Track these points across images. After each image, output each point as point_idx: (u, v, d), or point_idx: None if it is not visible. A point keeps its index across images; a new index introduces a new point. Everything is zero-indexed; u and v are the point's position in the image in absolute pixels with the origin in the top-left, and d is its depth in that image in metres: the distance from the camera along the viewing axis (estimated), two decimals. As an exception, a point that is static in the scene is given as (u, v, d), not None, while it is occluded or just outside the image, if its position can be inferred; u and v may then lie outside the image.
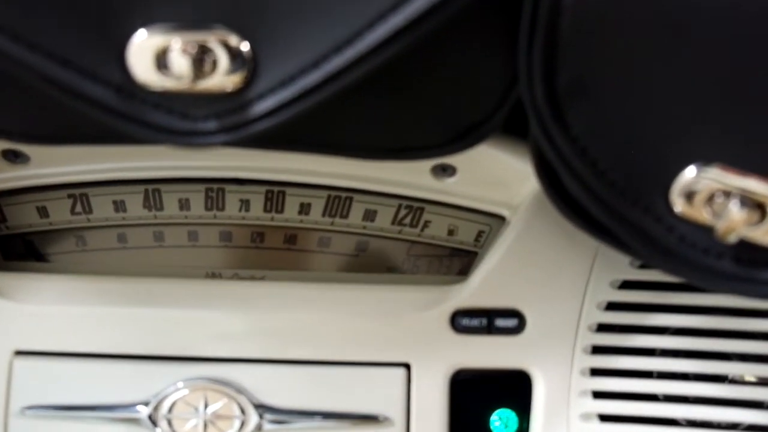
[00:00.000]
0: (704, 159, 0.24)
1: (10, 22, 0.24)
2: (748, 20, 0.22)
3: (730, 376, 0.33)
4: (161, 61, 0.24)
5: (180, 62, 0.24)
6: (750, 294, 0.25)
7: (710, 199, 0.24)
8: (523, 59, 0.25)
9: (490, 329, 0.33)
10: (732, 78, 0.23)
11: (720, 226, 0.24)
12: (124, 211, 0.36)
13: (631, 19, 0.23)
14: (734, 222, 0.24)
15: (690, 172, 0.24)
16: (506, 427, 0.34)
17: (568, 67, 0.24)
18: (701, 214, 0.25)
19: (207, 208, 0.36)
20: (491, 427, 0.34)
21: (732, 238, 0.24)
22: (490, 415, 0.33)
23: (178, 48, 0.24)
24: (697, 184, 0.24)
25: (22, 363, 0.32)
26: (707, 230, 0.25)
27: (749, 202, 0.24)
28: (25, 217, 0.36)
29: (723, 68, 0.23)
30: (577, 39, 0.24)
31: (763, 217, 0.24)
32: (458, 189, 0.35)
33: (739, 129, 0.24)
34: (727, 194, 0.24)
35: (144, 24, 0.24)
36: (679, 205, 0.25)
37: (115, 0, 0.24)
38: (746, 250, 0.25)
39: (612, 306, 0.33)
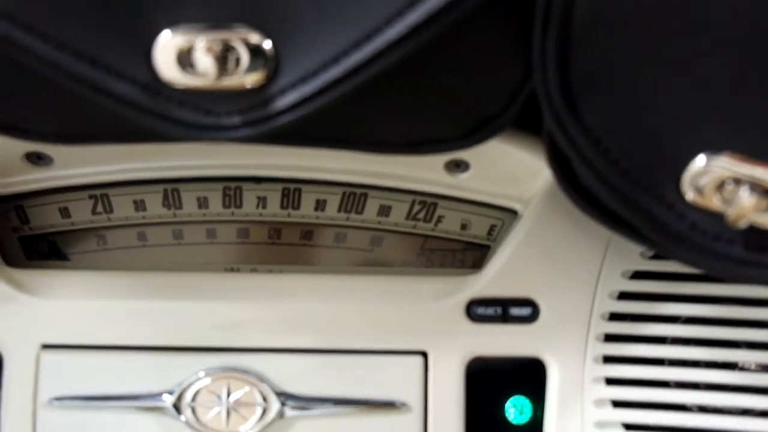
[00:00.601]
0: (714, 148, 0.25)
1: (39, 22, 0.24)
2: (760, 15, 0.23)
3: (740, 364, 0.34)
4: (186, 59, 0.25)
5: (204, 61, 0.25)
6: (760, 279, 0.26)
7: (720, 186, 0.25)
8: (537, 53, 0.25)
9: (504, 318, 0.34)
10: (742, 70, 0.24)
11: (730, 212, 0.25)
12: (144, 210, 0.37)
13: (643, 12, 0.24)
14: (744, 208, 0.25)
15: (700, 160, 0.25)
16: (521, 414, 0.34)
17: (581, 60, 0.25)
18: (712, 201, 0.25)
19: (225, 206, 0.37)
20: (506, 414, 0.34)
21: (742, 224, 0.25)
22: (505, 401, 0.34)
23: (203, 47, 0.25)
24: (707, 173, 0.25)
25: (48, 356, 0.33)
26: (718, 217, 0.26)
27: (759, 188, 0.25)
28: (47, 218, 0.37)
29: (733, 61, 0.24)
30: (590, 32, 0.25)
31: (772, 204, 0.25)
32: (471, 184, 0.35)
33: (749, 119, 0.24)
34: (737, 182, 0.25)
35: (169, 24, 0.24)
36: (690, 193, 0.26)
37: (141, 1, 0.25)
38: (756, 236, 0.26)
39: (624, 295, 0.34)
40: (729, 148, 0.25)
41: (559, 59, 0.25)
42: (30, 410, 0.33)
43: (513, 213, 0.36)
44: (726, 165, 0.25)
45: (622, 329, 0.34)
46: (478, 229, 0.37)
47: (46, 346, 0.33)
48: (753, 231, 0.25)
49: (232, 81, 0.25)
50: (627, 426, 0.34)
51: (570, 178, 0.29)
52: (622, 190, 0.26)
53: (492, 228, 0.37)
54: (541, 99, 0.26)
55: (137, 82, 0.25)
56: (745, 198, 0.25)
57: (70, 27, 0.25)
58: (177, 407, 0.33)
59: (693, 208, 0.26)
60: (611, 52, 0.25)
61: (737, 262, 0.26)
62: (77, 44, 0.25)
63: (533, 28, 0.25)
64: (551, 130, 0.27)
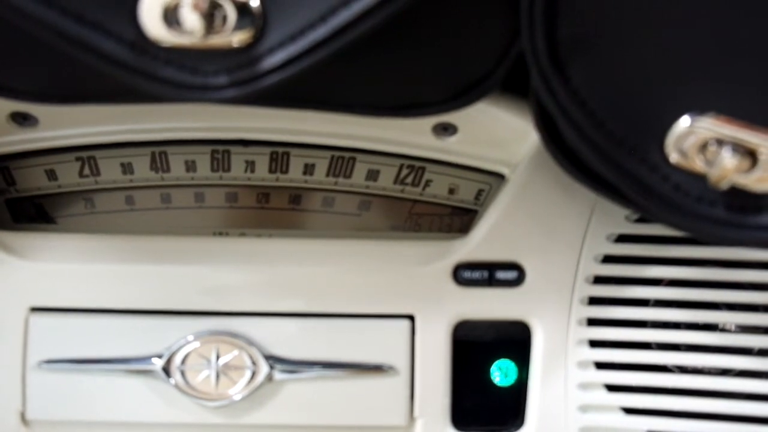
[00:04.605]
0: (698, 109, 0.25)
1: None
2: None
3: (720, 325, 0.34)
4: (173, 17, 0.24)
5: (191, 18, 0.24)
6: (740, 239, 0.26)
7: (703, 147, 0.25)
8: (525, 13, 0.25)
9: (491, 281, 0.34)
10: (725, 33, 0.24)
11: (713, 173, 0.25)
12: (132, 173, 0.37)
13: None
14: (726, 170, 0.25)
15: (685, 121, 0.25)
16: (506, 376, 0.35)
17: (568, 21, 0.25)
18: (695, 162, 0.26)
19: (213, 170, 0.37)
20: (492, 377, 0.35)
21: (724, 185, 0.25)
22: (491, 364, 0.35)
23: (189, 3, 0.24)
24: (691, 134, 0.25)
25: (37, 319, 0.33)
26: (700, 179, 0.26)
27: (741, 149, 0.25)
28: (34, 180, 0.37)
29: (717, 24, 0.24)
30: (577, -7, 0.25)
31: (754, 165, 0.25)
32: (459, 148, 0.36)
33: (732, 80, 0.25)
34: (720, 142, 0.25)
35: (153, -20, 0.24)
36: (674, 155, 0.26)
37: None
38: (737, 197, 0.26)
39: (608, 259, 0.34)
40: (713, 109, 0.25)
41: (546, 18, 0.25)
42: (19, 373, 0.33)
43: (500, 177, 0.36)
44: (710, 126, 0.25)
45: (606, 292, 0.34)
46: (465, 194, 0.37)
47: (34, 309, 0.33)
48: (734, 192, 0.26)
49: (219, 39, 0.25)
50: (609, 387, 0.34)
51: (556, 141, 0.29)
52: (607, 152, 0.27)
53: (480, 192, 0.37)
54: (529, 59, 0.26)
55: (123, 40, 0.25)
56: (728, 159, 0.25)
57: None
58: (166, 371, 0.33)
59: (676, 169, 0.26)
60: (598, 14, 0.25)
61: (719, 223, 0.26)
62: (63, 1, 0.24)
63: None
64: (538, 92, 0.27)
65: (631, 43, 0.25)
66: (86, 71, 0.27)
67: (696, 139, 0.25)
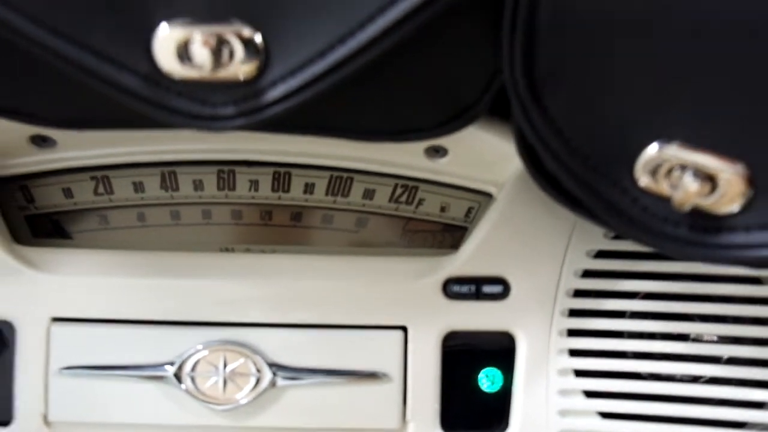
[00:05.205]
0: (665, 137, 0.27)
1: (48, 18, 0.26)
2: (709, 27, 0.25)
3: (692, 335, 0.36)
4: (184, 52, 0.26)
5: (201, 53, 0.26)
6: (702, 256, 0.28)
7: (669, 172, 0.27)
8: (506, 52, 0.27)
9: (478, 295, 0.36)
10: (687, 69, 0.26)
11: (676, 196, 0.27)
12: (143, 191, 0.38)
13: (599, 16, 0.26)
14: (689, 193, 0.27)
15: (652, 148, 0.27)
16: (493, 383, 0.37)
17: (544, 59, 0.27)
18: (662, 186, 0.27)
19: (219, 189, 0.38)
20: (479, 384, 0.37)
21: (686, 208, 0.27)
22: (478, 372, 0.37)
23: (199, 40, 0.26)
24: (658, 160, 0.27)
25: (58, 328, 0.35)
26: (666, 201, 0.28)
27: (702, 174, 0.27)
28: (51, 198, 0.38)
29: (680, 61, 0.26)
30: (552, 33, 0.27)
31: (714, 189, 0.27)
32: (450, 169, 0.37)
33: (694, 111, 0.26)
34: (683, 168, 0.27)
35: (166, 18, 0.26)
36: (642, 179, 0.28)
37: None
38: (699, 218, 0.28)
39: (588, 273, 0.36)
40: (678, 137, 0.27)
41: (524, 58, 0.27)
42: (42, 378, 0.35)
43: (488, 196, 0.38)
44: (674, 153, 0.27)
45: (586, 305, 0.36)
46: (456, 211, 0.39)
47: (56, 319, 0.35)
48: (696, 214, 0.27)
49: (226, 72, 0.27)
50: (587, 393, 0.36)
51: (537, 165, 0.31)
52: (582, 177, 0.28)
53: (470, 210, 0.39)
54: (510, 93, 0.28)
55: (138, 73, 0.27)
56: (690, 183, 0.26)
57: (77, 21, 0.26)
58: (178, 377, 0.35)
59: (645, 192, 0.28)
60: (571, 52, 0.27)
61: (683, 242, 0.28)
62: (83, 38, 0.26)
63: (502, 29, 0.27)
64: (519, 121, 0.29)
65: (601, 79, 0.27)
66: (103, 101, 0.29)
67: (663, 165, 0.27)
